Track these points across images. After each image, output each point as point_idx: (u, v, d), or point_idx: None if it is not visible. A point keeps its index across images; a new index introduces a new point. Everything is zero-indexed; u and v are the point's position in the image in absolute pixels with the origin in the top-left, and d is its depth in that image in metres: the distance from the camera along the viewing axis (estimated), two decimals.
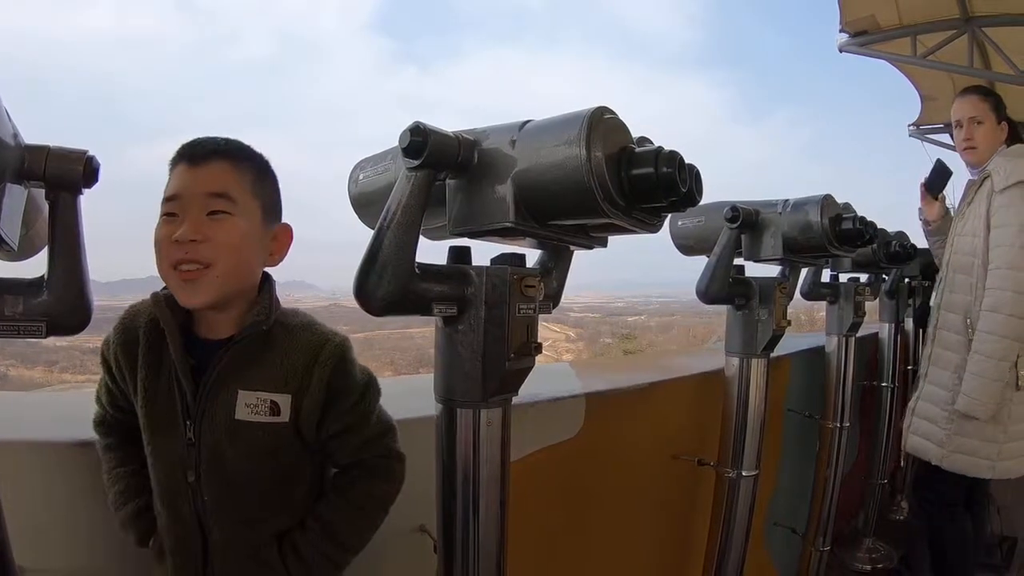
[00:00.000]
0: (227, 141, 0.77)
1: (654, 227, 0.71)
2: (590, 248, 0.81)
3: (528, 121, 0.64)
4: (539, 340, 0.74)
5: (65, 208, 0.62)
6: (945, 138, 9.76)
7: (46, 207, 0.67)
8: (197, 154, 0.74)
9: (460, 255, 0.74)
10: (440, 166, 0.63)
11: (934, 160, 2.05)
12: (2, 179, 0.57)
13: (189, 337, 0.78)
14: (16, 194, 0.63)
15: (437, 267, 0.69)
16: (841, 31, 6.56)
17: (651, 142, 0.69)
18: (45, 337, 0.63)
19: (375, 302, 0.63)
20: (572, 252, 0.88)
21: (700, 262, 1.33)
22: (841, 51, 6.79)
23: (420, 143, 0.60)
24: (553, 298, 0.88)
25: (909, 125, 9.15)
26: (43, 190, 0.63)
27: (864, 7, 5.92)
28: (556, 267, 0.88)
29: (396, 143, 0.85)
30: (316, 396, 0.77)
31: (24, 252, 0.77)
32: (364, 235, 0.67)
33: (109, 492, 0.83)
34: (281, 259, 0.82)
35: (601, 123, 0.60)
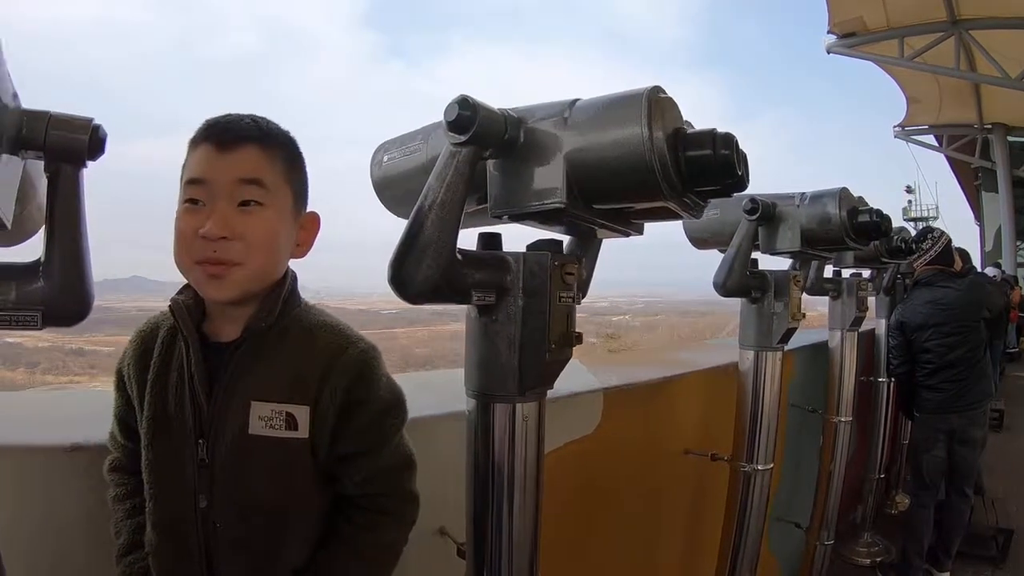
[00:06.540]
0: (256, 123, 0.69)
1: (699, 212, 0.68)
2: (627, 235, 0.78)
3: (577, 99, 0.61)
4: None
5: (66, 182, 0.55)
6: (929, 139, 10.06)
7: (41, 184, 0.60)
8: (226, 139, 0.67)
9: (491, 241, 0.70)
10: (486, 143, 0.59)
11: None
12: None
13: (201, 342, 0.71)
14: (12, 166, 0.56)
15: (475, 252, 0.66)
16: (829, 32, 6.67)
17: (692, 125, 0.66)
18: (40, 328, 0.56)
19: (413, 287, 0.59)
20: (601, 241, 0.85)
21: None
22: (829, 52, 6.90)
23: (468, 117, 0.56)
24: (582, 288, 0.85)
25: (894, 126, 9.39)
26: (40, 163, 0.56)
27: (852, 9, 6.02)
28: (586, 256, 0.85)
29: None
30: (330, 408, 0.69)
31: (14, 236, 0.69)
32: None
33: (114, 542, 0.76)
34: (307, 251, 0.75)
35: (659, 102, 0.57)
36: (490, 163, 0.64)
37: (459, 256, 0.62)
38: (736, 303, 1.40)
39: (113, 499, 0.77)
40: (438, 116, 0.59)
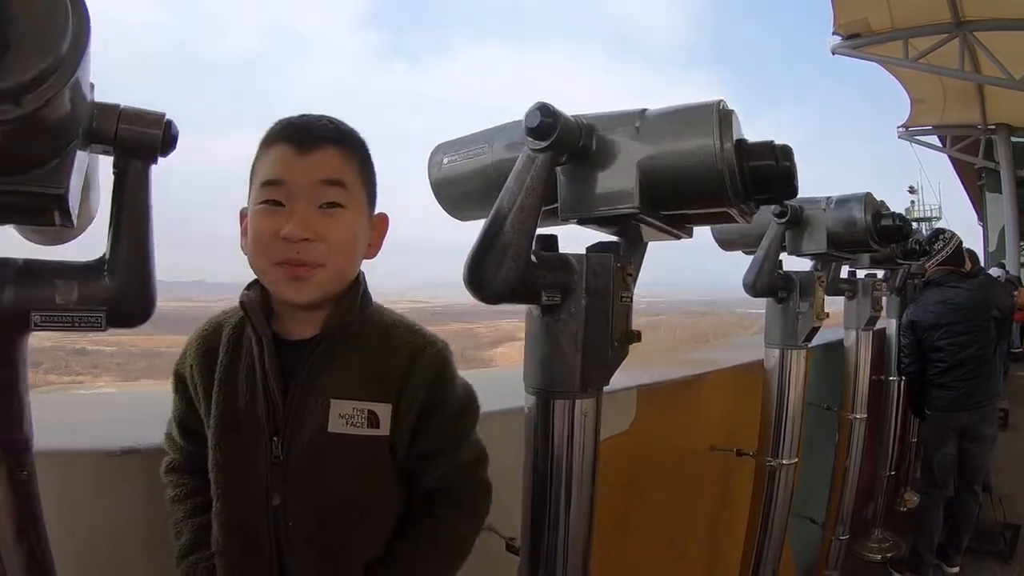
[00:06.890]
0: (333, 123, 0.69)
1: (751, 217, 0.72)
2: (678, 238, 0.81)
3: (645, 109, 0.65)
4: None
5: (135, 178, 0.54)
6: (933, 139, 10.14)
7: (95, 180, 0.60)
8: (306, 139, 0.67)
9: (548, 243, 0.73)
10: (564, 149, 0.62)
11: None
12: (74, 137, 0.47)
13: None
14: (81, 161, 0.52)
15: (545, 254, 0.69)
16: (834, 34, 6.71)
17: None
18: (104, 329, 0.54)
19: (492, 288, 0.62)
20: (647, 244, 0.89)
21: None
22: (834, 53, 6.94)
23: (550, 124, 0.59)
24: None
25: (898, 127, 9.47)
26: (93, 157, 0.55)
27: (857, 10, 6.06)
28: (634, 258, 0.88)
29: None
30: (412, 407, 0.70)
31: (60, 235, 0.66)
32: None
33: (174, 543, 0.75)
34: (377, 251, 0.75)
35: (726, 115, 0.61)
36: (559, 168, 0.68)
37: (534, 258, 0.65)
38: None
39: (171, 500, 0.76)
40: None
